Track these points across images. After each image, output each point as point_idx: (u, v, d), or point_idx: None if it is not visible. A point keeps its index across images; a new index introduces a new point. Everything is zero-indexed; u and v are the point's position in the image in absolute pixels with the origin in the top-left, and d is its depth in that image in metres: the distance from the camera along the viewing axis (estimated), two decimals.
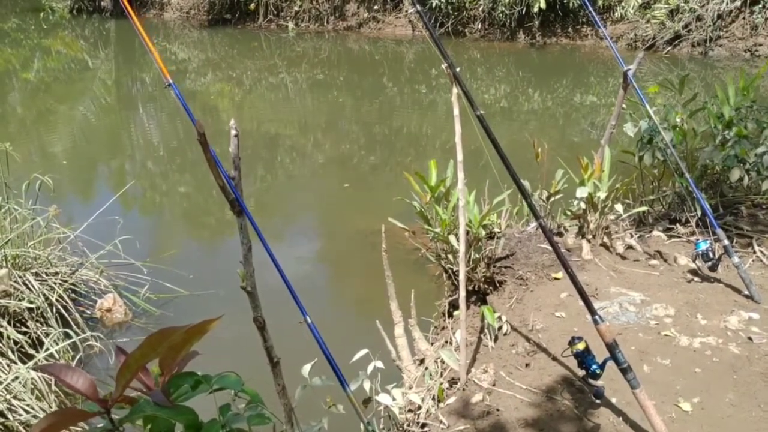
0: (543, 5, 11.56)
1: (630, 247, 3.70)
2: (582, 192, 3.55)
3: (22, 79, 10.70)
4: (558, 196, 3.80)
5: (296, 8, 14.07)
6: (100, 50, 13.16)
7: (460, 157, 2.52)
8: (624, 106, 3.94)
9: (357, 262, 4.74)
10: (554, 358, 2.75)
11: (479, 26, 12.81)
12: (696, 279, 3.35)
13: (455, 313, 3.34)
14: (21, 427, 2.82)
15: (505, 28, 12.57)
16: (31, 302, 3.46)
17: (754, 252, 3.58)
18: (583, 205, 3.65)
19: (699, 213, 3.80)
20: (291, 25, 14.04)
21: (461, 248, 2.63)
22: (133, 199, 5.86)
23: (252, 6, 14.05)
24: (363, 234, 4.93)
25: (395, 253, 3.91)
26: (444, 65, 2.35)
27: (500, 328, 3.03)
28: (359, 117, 8.64)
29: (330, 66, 11.58)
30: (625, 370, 2.17)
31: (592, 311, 2.20)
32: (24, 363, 3.07)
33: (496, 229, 3.60)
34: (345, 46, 13.02)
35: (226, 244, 5.19)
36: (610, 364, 2.23)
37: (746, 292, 3.14)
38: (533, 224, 3.88)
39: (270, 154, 7.19)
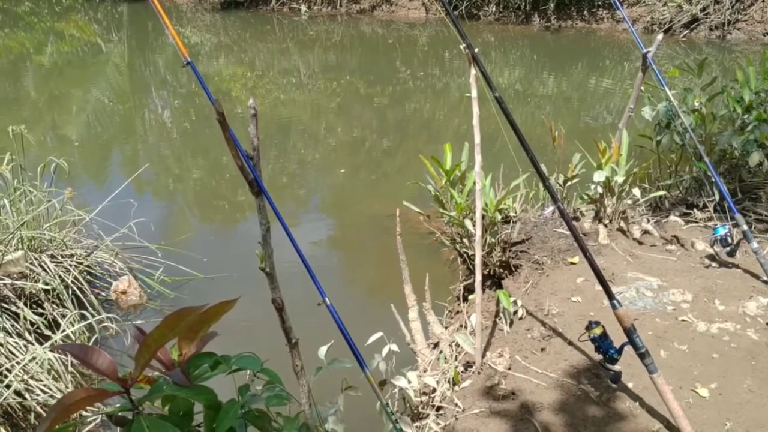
0: None
1: (647, 232, 3.66)
2: (600, 176, 3.51)
3: (36, 63, 10.73)
4: (574, 180, 3.76)
5: None
6: (113, 34, 13.16)
7: (477, 139, 2.49)
8: (642, 89, 3.88)
9: (371, 245, 4.73)
10: (570, 343, 2.74)
11: (493, 9, 12.67)
12: (714, 264, 3.31)
13: (470, 297, 3.33)
14: (38, 407, 2.85)
15: (520, 11, 12.43)
16: (47, 284, 3.49)
17: None
18: (600, 190, 3.61)
19: (717, 198, 3.75)
20: (304, 8, 13.97)
21: (477, 232, 2.61)
22: (147, 182, 5.87)
23: None
24: (376, 218, 4.92)
25: (409, 237, 3.90)
26: (462, 45, 2.32)
27: (515, 312, 3.01)
28: (372, 101, 8.59)
29: (343, 49, 11.52)
30: (642, 355, 2.15)
31: (611, 296, 2.18)
32: (41, 344, 3.09)
33: (512, 214, 3.58)
34: (358, 29, 12.93)
35: (240, 228, 5.20)
36: (628, 348, 2.21)
37: (765, 278, 3.10)
38: (549, 208, 3.85)
39: (282, 138, 7.17)
